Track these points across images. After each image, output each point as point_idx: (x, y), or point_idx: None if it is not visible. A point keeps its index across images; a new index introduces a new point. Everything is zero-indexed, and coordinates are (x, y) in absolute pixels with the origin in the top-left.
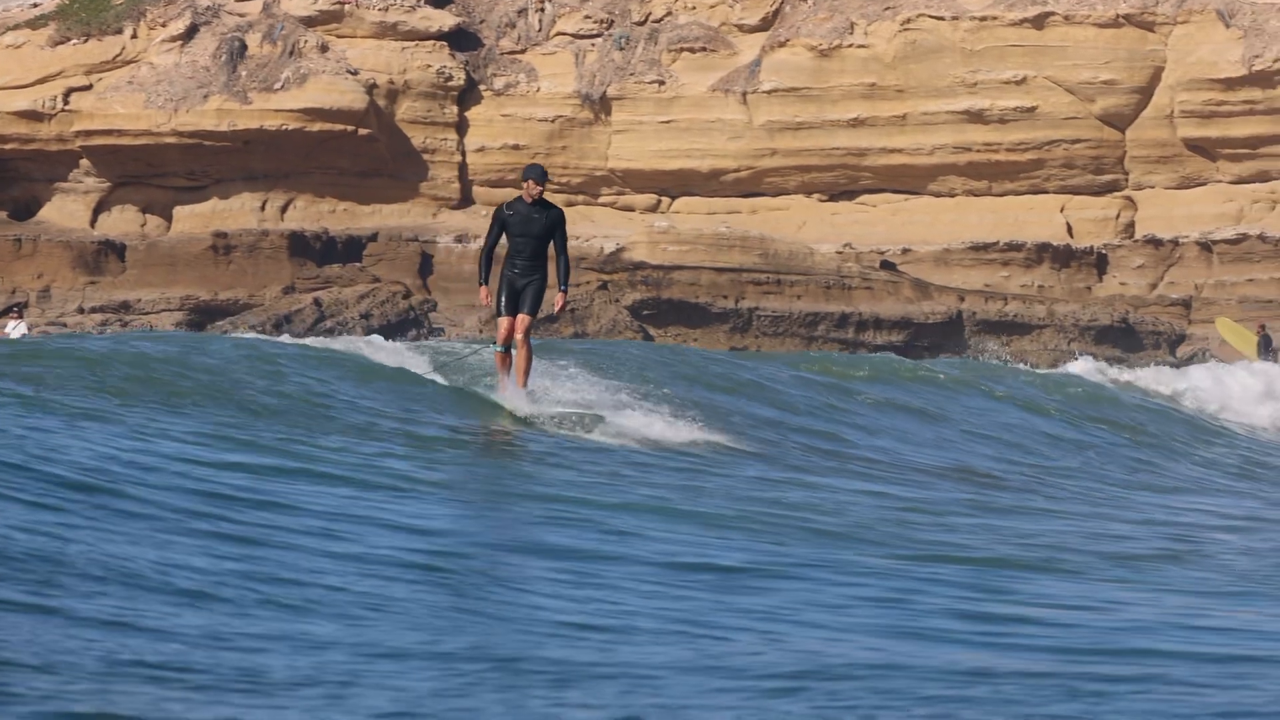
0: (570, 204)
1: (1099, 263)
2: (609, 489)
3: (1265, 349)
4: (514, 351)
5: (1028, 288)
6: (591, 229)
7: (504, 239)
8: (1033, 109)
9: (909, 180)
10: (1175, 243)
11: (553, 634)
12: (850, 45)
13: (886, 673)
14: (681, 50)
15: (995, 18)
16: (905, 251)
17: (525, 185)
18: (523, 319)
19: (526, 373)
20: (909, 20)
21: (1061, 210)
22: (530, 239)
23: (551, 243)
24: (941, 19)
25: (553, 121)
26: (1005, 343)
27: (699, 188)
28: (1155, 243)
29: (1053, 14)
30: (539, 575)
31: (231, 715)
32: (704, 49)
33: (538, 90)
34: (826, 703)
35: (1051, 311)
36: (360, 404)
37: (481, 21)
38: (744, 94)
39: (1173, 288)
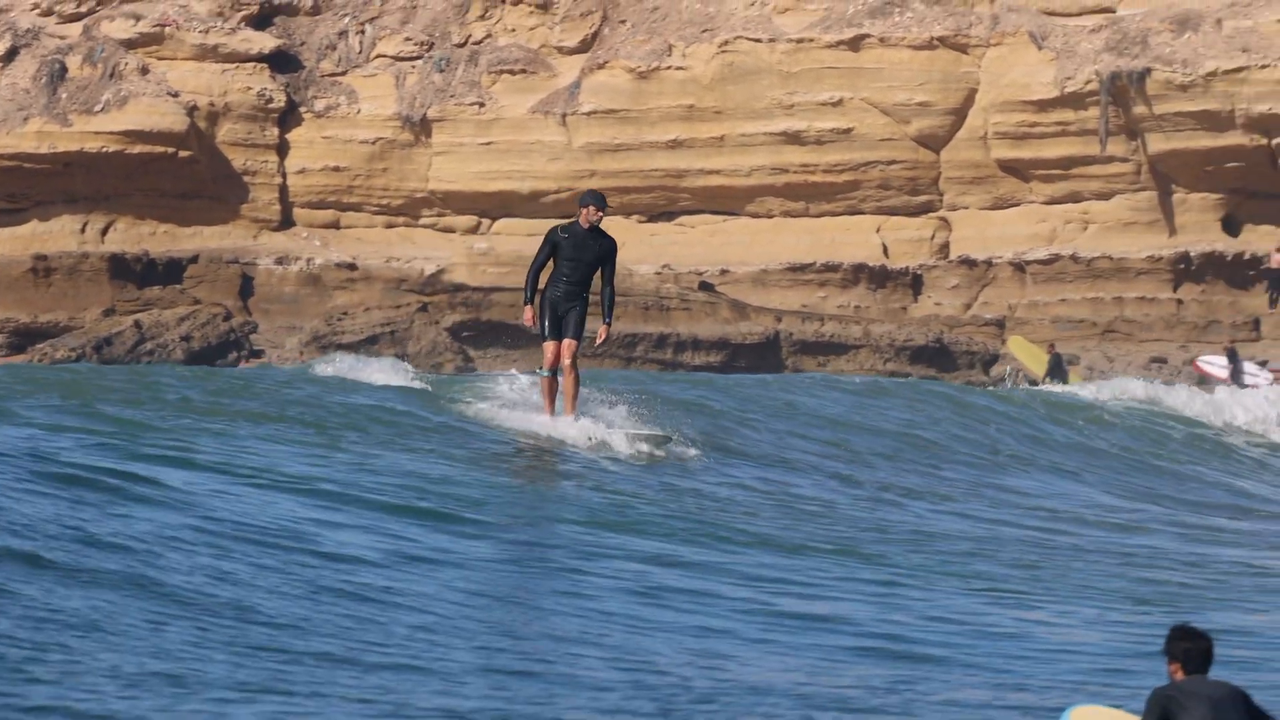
0: (390, 226)
1: (914, 283)
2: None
3: (1056, 369)
4: (560, 377)
5: (844, 308)
6: (412, 251)
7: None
8: (849, 130)
9: (727, 201)
10: (989, 263)
11: None
12: (668, 67)
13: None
14: (501, 72)
15: (811, 40)
16: (723, 272)
17: (585, 210)
18: (569, 344)
19: (575, 397)
20: (726, 43)
21: (877, 231)
22: (581, 264)
23: (599, 272)
24: (759, 41)
25: (373, 143)
26: (822, 363)
27: (519, 209)
28: (969, 263)
29: (868, 36)
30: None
31: None
32: (524, 71)
33: (358, 112)
34: None
35: (867, 332)
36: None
37: (302, 44)
38: (563, 116)
39: (987, 308)
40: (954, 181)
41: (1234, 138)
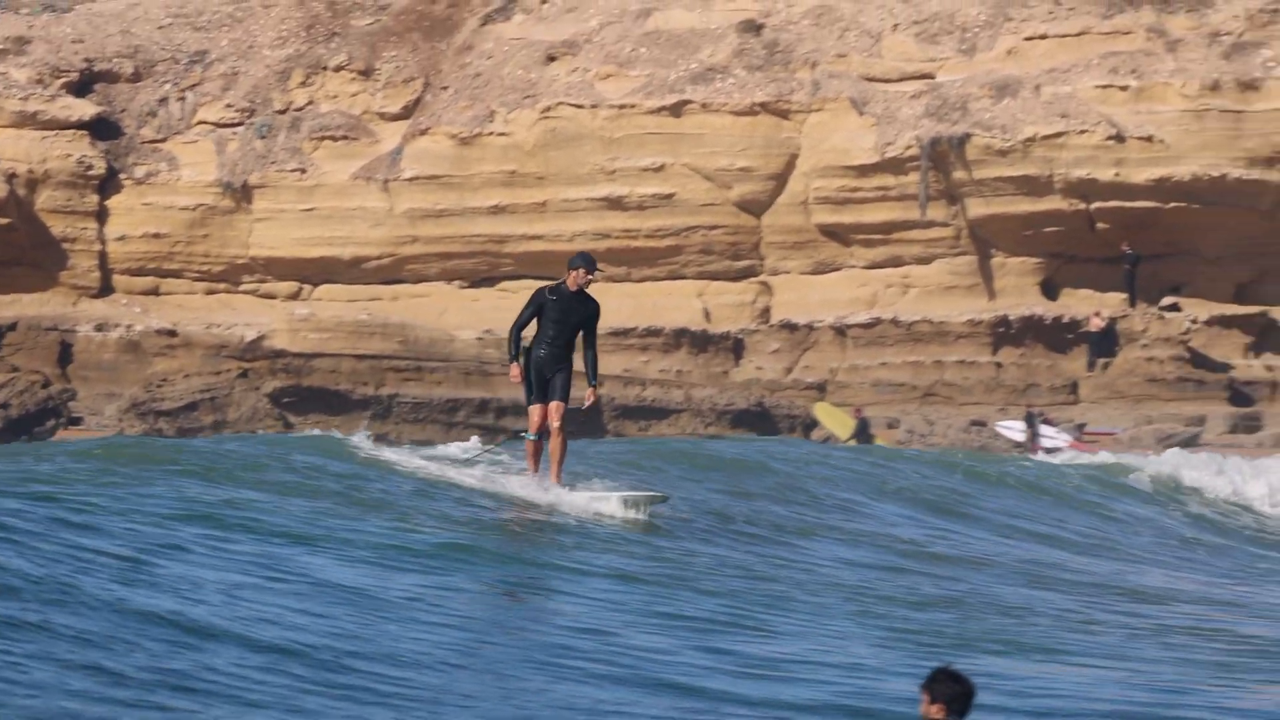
0: (211, 292)
1: (736, 347)
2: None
3: (862, 434)
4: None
5: (666, 372)
6: (233, 317)
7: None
8: (671, 196)
9: (549, 267)
10: (810, 327)
11: None
12: (490, 133)
13: None
14: (323, 139)
15: (633, 105)
16: None
17: (575, 273)
18: (557, 406)
19: (562, 461)
20: (549, 109)
21: (699, 295)
22: (566, 327)
23: (582, 334)
24: (581, 107)
25: (194, 210)
26: (643, 428)
27: (340, 275)
28: (791, 327)
29: (690, 102)
30: None
31: None
32: (345, 137)
33: (179, 179)
34: None
35: (689, 396)
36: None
37: (123, 111)
38: (385, 182)
39: (808, 371)
40: (775, 246)
41: (1053, 202)
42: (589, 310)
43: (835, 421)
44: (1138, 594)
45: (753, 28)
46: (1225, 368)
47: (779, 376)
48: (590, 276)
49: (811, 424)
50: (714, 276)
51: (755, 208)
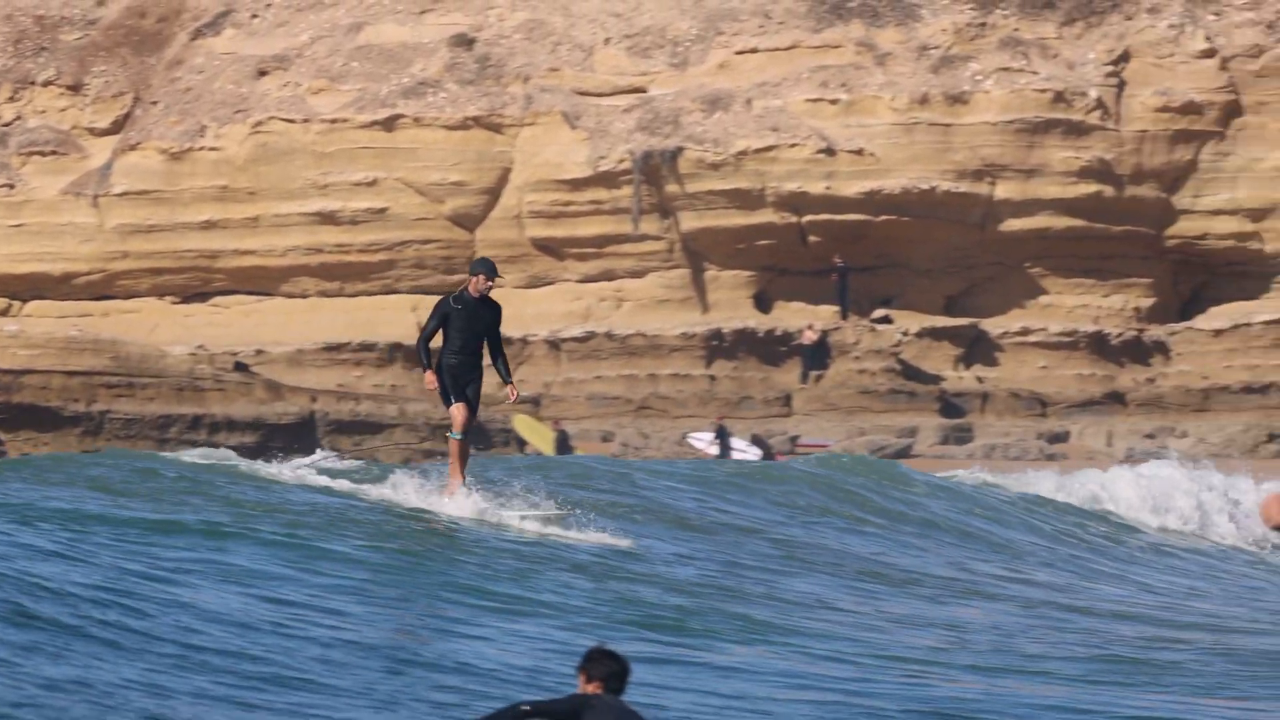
0: None
1: None
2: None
3: (563, 447)
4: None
5: (380, 387)
6: None
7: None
8: (384, 210)
9: (262, 281)
10: (524, 341)
11: None
12: (201, 148)
13: None
14: (32, 154)
15: (346, 120)
16: (259, 353)
17: (475, 279)
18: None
19: (463, 471)
20: (260, 123)
21: (413, 310)
22: (473, 334)
23: (488, 340)
24: (292, 121)
25: None
26: (357, 442)
27: (50, 291)
28: (505, 341)
29: (402, 116)
30: None
31: None
32: (54, 152)
33: None
34: None
35: (403, 410)
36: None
37: None
38: (95, 197)
39: (523, 386)
40: None
41: (765, 215)
42: (493, 315)
43: (536, 435)
44: (882, 577)
45: (464, 41)
46: (936, 379)
47: (493, 391)
48: (490, 283)
49: (525, 438)
50: (427, 291)
51: (468, 222)
